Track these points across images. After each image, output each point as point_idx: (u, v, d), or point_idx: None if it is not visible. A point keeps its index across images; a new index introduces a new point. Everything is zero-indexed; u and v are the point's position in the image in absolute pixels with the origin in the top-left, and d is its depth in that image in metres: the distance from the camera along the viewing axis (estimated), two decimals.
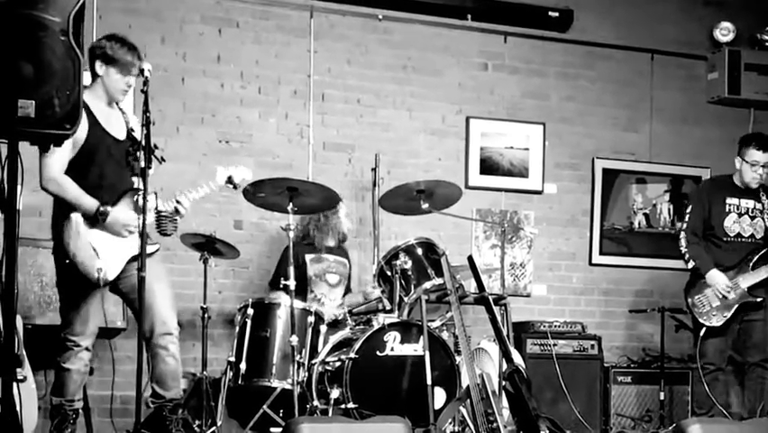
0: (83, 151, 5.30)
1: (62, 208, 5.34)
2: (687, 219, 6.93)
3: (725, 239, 6.87)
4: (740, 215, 6.87)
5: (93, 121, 5.33)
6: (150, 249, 5.41)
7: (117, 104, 5.55)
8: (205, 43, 7.44)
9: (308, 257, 6.91)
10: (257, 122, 7.53)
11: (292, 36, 7.65)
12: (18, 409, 3.93)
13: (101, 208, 5.26)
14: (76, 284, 5.34)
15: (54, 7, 3.76)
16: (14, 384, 3.90)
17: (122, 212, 5.31)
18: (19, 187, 3.89)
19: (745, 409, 6.95)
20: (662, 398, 7.41)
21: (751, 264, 6.76)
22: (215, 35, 7.45)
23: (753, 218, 6.87)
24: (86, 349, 5.41)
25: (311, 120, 7.63)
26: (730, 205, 6.89)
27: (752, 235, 6.87)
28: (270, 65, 7.57)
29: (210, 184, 5.78)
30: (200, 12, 7.43)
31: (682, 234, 6.92)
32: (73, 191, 5.27)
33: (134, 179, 5.41)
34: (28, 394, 5.39)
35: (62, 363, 5.42)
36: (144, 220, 4.79)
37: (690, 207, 7.02)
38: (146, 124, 4.80)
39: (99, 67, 5.39)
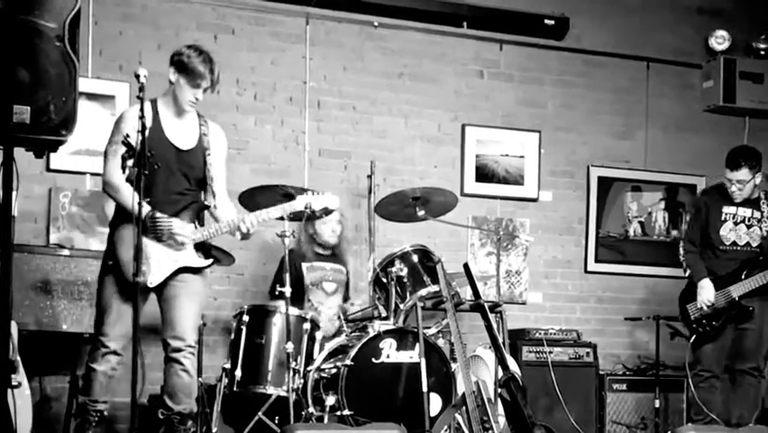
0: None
1: (120, 213, 5.35)
2: (686, 228, 7.00)
3: (720, 247, 6.88)
4: (736, 223, 6.89)
5: (157, 126, 5.32)
6: (200, 263, 5.44)
7: (199, 114, 5.54)
8: None
9: (304, 265, 6.89)
10: (253, 128, 7.53)
11: (288, 43, 7.65)
12: (12, 414, 3.93)
13: (150, 213, 5.22)
14: (113, 285, 5.32)
15: (50, 13, 3.77)
16: (9, 390, 3.90)
17: (173, 221, 5.31)
18: (14, 193, 3.89)
19: (734, 417, 6.95)
20: (657, 405, 7.42)
21: (744, 274, 6.78)
22: (211, 42, 7.44)
23: (749, 227, 6.88)
24: (115, 353, 5.35)
25: (307, 127, 7.63)
26: (727, 214, 6.90)
27: (747, 244, 6.88)
28: (266, 72, 7.58)
29: (286, 207, 5.65)
30: (196, 18, 7.43)
31: (681, 243, 7.01)
32: (127, 196, 5.20)
33: (202, 193, 5.48)
34: (22, 400, 5.39)
35: (90, 363, 5.39)
36: (139, 226, 4.75)
37: (690, 216, 7.10)
38: (141, 129, 4.78)
39: (172, 74, 5.37)
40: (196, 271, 5.44)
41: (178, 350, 5.36)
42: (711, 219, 6.91)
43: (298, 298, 6.65)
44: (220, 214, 5.53)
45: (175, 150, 5.38)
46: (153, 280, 5.32)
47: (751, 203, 6.89)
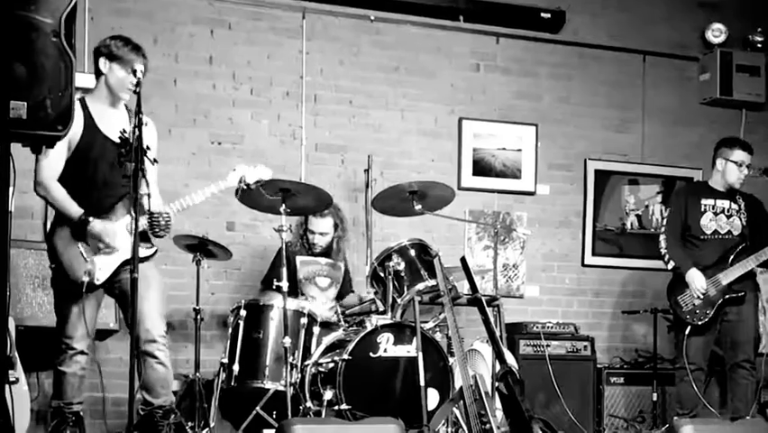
0: (77, 152, 5.29)
1: (58, 214, 5.36)
2: (666, 222, 7.04)
3: (702, 237, 6.92)
4: (716, 213, 6.94)
5: (89, 122, 5.33)
6: (146, 252, 5.39)
7: (127, 106, 5.51)
8: (196, 45, 7.43)
9: (298, 259, 6.87)
10: (249, 123, 7.52)
11: (284, 37, 7.64)
12: (10, 410, 3.92)
13: (82, 218, 5.24)
14: (65, 288, 5.33)
15: (46, 9, 3.75)
16: (6, 386, 3.89)
17: (102, 224, 5.28)
18: (11, 189, 3.88)
19: (727, 410, 6.97)
20: (654, 398, 7.42)
21: (730, 260, 6.81)
22: (207, 36, 7.44)
23: (729, 217, 6.94)
24: (81, 352, 5.38)
25: (303, 121, 7.63)
26: (706, 205, 6.96)
27: (729, 232, 6.92)
28: (263, 66, 7.57)
29: (220, 184, 5.68)
30: (192, 13, 7.42)
31: (662, 237, 7.03)
32: (60, 197, 5.27)
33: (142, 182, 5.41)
34: (20, 396, 5.38)
35: (58, 366, 5.40)
36: (136, 223, 4.75)
37: (669, 210, 7.18)
38: (138, 125, 4.77)
39: (103, 64, 5.38)
40: (143, 259, 5.34)
41: (152, 341, 5.33)
42: (690, 211, 6.96)
43: (292, 292, 6.63)
44: (151, 204, 5.41)
45: (111, 143, 5.34)
46: (100, 276, 5.30)
47: (728, 195, 6.97)
